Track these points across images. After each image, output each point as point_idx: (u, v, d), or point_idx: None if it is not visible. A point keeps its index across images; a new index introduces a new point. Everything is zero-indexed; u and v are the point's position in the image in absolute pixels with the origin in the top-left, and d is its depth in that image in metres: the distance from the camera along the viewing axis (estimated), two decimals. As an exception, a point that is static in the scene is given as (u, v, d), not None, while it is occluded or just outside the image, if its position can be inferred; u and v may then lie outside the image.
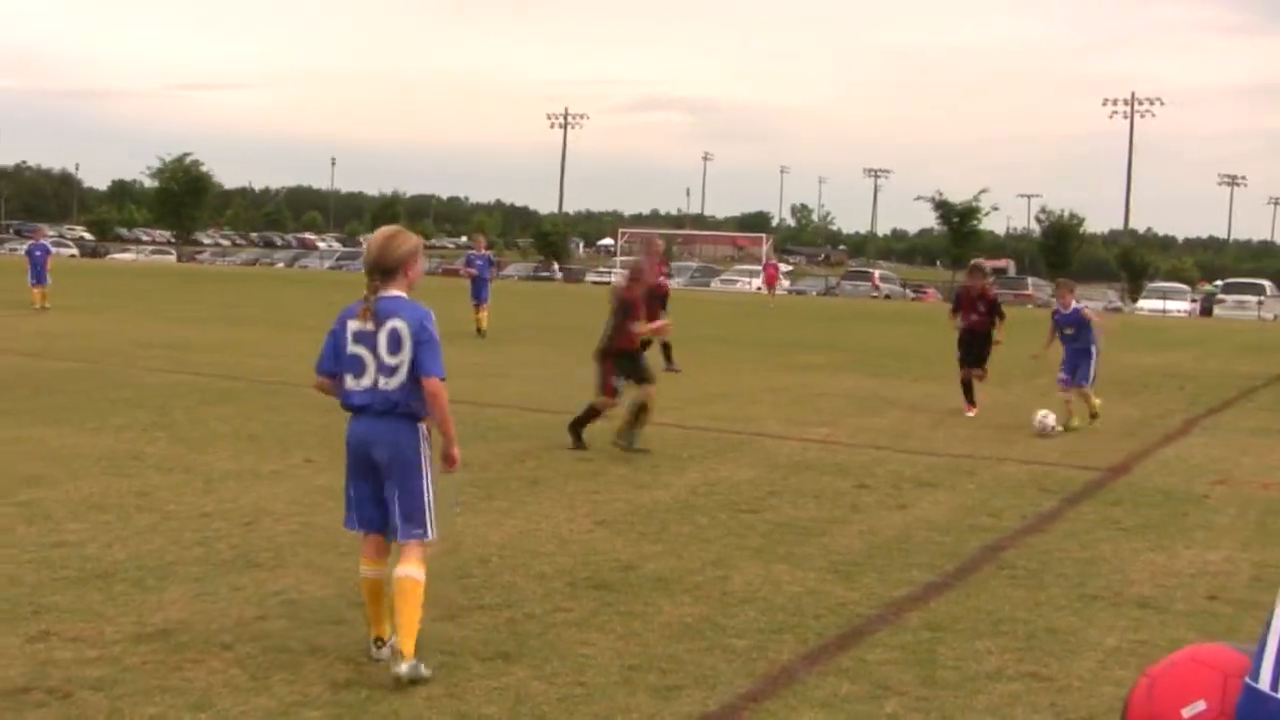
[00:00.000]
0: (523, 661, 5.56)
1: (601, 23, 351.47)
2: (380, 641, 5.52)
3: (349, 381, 5.38)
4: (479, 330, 24.68)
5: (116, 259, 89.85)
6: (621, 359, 11.25)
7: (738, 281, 75.49)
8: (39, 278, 28.96)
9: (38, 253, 29.54)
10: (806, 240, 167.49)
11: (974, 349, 15.06)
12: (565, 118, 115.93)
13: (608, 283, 74.71)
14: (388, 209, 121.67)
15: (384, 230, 5.56)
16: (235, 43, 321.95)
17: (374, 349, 5.31)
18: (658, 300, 19.59)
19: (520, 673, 5.41)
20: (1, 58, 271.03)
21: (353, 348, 5.37)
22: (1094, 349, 13.98)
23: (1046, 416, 13.59)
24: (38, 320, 25.44)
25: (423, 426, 5.43)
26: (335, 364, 5.43)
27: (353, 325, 5.38)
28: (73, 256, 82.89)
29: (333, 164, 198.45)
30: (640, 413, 11.23)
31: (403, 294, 5.42)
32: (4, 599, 6.17)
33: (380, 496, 5.41)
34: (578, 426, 11.37)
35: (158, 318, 27.38)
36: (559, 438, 11.54)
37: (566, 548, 7.71)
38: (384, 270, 5.39)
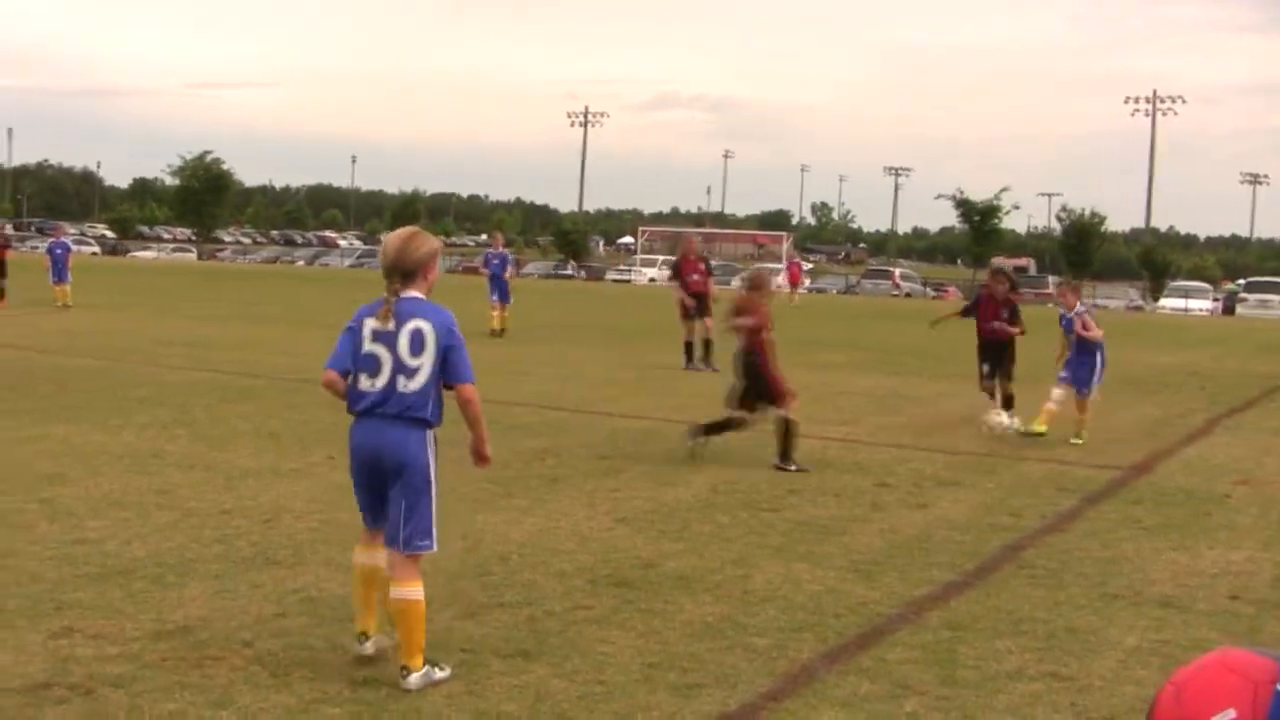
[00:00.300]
0: (543, 659, 5.56)
1: (601, 23, 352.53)
2: (364, 636, 5.43)
3: (362, 381, 5.23)
4: (492, 330, 24.40)
5: (137, 257, 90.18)
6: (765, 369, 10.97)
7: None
8: (60, 275, 29.12)
9: (59, 250, 29.68)
10: (827, 238, 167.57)
11: (998, 359, 13.99)
12: (585, 116, 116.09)
13: (628, 280, 74.85)
14: (408, 207, 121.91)
15: (401, 232, 5.45)
16: (235, 43, 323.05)
17: (393, 348, 5.18)
18: (698, 301, 19.53)
19: (540, 670, 5.41)
20: (3, 57, 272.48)
21: (369, 346, 5.23)
22: (1100, 356, 13.09)
23: (999, 416, 13.00)
24: (59, 318, 25.57)
25: (431, 434, 5.27)
26: (351, 362, 5.29)
27: (371, 324, 5.25)
28: (94, 254, 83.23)
29: (353, 162, 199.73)
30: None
31: (422, 295, 5.33)
32: (26, 595, 6.20)
33: (386, 500, 5.25)
34: (786, 443, 10.77)
35: (178, 315, 27.48)
36: (579, 435, 11.53)
37: (587, 545, 7.71)
38: (404, 272, 5.28)
